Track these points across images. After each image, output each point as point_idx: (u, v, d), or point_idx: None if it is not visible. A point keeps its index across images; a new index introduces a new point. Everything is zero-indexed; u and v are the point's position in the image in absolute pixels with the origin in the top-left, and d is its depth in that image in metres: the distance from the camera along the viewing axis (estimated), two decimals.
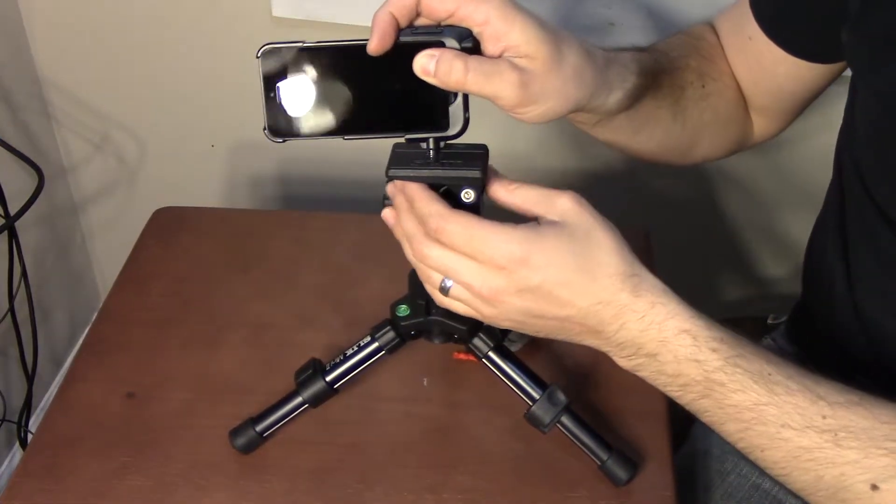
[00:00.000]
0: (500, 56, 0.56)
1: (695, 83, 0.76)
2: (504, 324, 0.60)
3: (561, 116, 0.61)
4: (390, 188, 0.61)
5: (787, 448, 0.56)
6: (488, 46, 0.56)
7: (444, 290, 0.60)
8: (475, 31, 0.56)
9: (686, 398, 0.59)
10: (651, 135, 0.74)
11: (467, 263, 0.58)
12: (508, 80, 0.56)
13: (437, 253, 0.58)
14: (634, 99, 0.68)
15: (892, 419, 0.55)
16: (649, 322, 0.58)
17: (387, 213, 0.62)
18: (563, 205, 0.59)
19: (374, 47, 0.55)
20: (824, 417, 0.55)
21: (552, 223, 0.58)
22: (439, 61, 0.55)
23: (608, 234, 0.59)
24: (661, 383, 0.60)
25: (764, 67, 0.76)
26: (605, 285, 0.58)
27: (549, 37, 0.57)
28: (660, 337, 0.58)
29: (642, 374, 0.60)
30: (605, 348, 0.60)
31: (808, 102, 0.80)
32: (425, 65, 0.55)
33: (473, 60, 0.55)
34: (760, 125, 0.82)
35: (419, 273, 0.61)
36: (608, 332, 0.59)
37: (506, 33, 0.55)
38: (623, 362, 0.60)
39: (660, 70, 0.71)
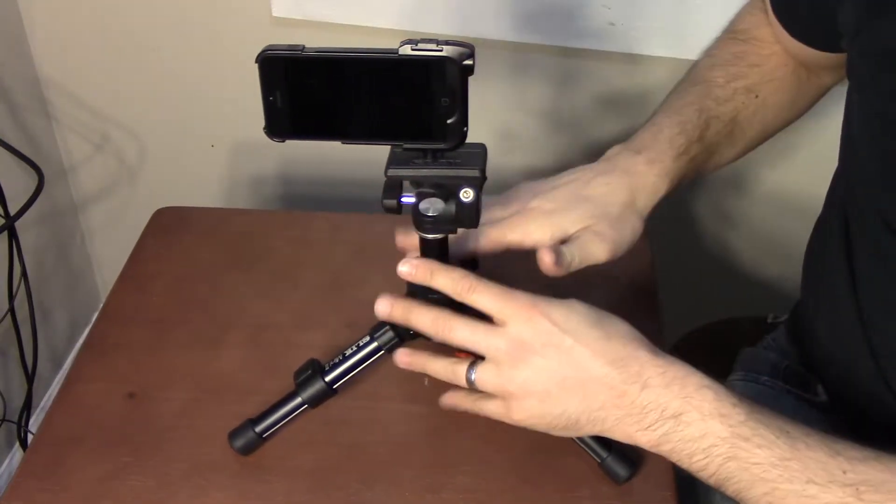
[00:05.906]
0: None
1: (747, 102, 0.78)
2: (532, 406, 0.63)
3: None
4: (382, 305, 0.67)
5: None
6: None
7: (470, 383, 0.64)
8: None
9: (712, 465, 0.59)
10: (706, 169, 0.79)
11: (492, 329, 0.62)
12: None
13: (461, 323, 0.63)
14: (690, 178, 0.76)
15: None
16: (672, 377, 0.60)
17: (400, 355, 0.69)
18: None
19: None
20: (845, 472, 0.56)
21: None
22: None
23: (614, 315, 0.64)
24: (687, 453, 0.60)
25: (786, 47, 0.79)
26: (622, 345, 0.61)
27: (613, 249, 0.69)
28: (683, 393, 0.59)
29: (666, 447, 0.60)
30: (627, 422, 0.61)
31: None
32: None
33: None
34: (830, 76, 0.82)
35: (446, 374, 0.66)
36: (632, 392, 0.60)
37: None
38: (647, 436, 0.61)
39: (714, 139, 0.75)
